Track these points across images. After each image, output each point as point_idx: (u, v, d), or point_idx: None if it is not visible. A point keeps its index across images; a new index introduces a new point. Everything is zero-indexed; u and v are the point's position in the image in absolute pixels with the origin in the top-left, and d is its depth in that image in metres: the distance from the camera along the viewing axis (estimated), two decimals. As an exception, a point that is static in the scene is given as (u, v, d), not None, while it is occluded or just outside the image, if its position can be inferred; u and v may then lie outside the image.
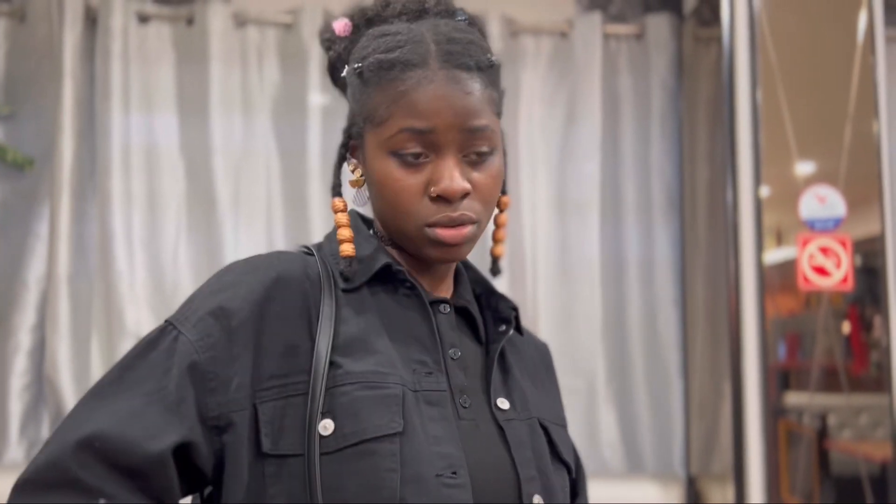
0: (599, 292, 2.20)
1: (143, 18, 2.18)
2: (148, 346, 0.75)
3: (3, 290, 2.09)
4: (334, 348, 0.75)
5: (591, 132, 2.24)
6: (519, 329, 0.90)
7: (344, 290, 0.80)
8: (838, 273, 1.91)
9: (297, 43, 2.21)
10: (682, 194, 2.26)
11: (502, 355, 0.86)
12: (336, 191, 0.84)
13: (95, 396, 0.74)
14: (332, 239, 0.85)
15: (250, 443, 0.72)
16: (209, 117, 2.17)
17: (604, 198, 2.24)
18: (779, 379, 1.95)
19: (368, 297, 0.80)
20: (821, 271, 1.92)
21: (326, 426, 0.71)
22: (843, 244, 1.92)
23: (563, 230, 2.24)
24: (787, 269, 1.94)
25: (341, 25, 0.86)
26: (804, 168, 1.95)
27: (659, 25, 2.28)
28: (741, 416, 1.88)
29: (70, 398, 2.04)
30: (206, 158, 2.17)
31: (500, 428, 0.79)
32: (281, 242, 2.18)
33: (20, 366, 2.06)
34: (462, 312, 0.86)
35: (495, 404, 0.81)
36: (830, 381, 1.95)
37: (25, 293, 2.09)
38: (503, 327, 0.87)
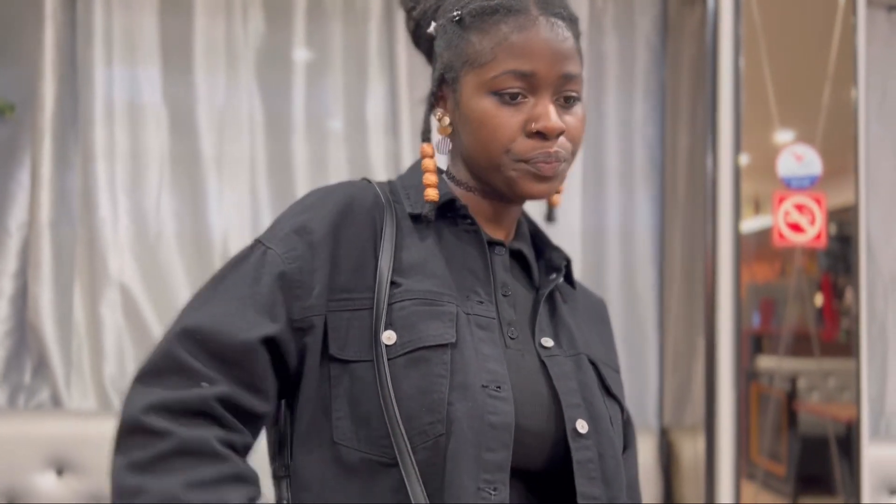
0: (580, 254, 2.23)
1: (127, -35, 2.16)
2: (239, 261, 0.84)
3: (-16, 236, 2.09)
4: (395, 270, 0.82)
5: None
6: (570, 279, 0.97)
7: (409, 219, 0.87)
8: (812, 230, 1.95)
9: (283, -6, 2.20)
10: (664, 159, 2.28)
11: (551, 299, 0.92)
12: (426, 136, 0.91)
13: (192, 305, 0.82)
14: (407, 177, 0.92)
15: (322, 346, 0.81)
16: (193, 70, 2.16)
17: (586, 161, 2.26)
18: (752, 343, 2.00)
19: (430, 228, 0.87)
20: (795, 228, 1.96)
21: (389, 336, 0.78)
22: (818, 202, 1.96)
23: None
24: (764, 237, 1.98)
25: None
26: (784, 136, 1.98)
27: (645, -15, 2.29)
28: (713, 375, 1.93)
29: (53, 344, 2.06)
30: (190, 112, 2.16)
31: (543, 364, 0.84)
32: (264, 194, 2.18)
33: (2, 312, 2.07)
34: (517, 257, 0.93)
35: (539, 342, 0.86)
36: (801, 347, 2.01)
37: (7, 240, 2.09)
38: (553, 275, 0.93)
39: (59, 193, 2.10)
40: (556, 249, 0.97)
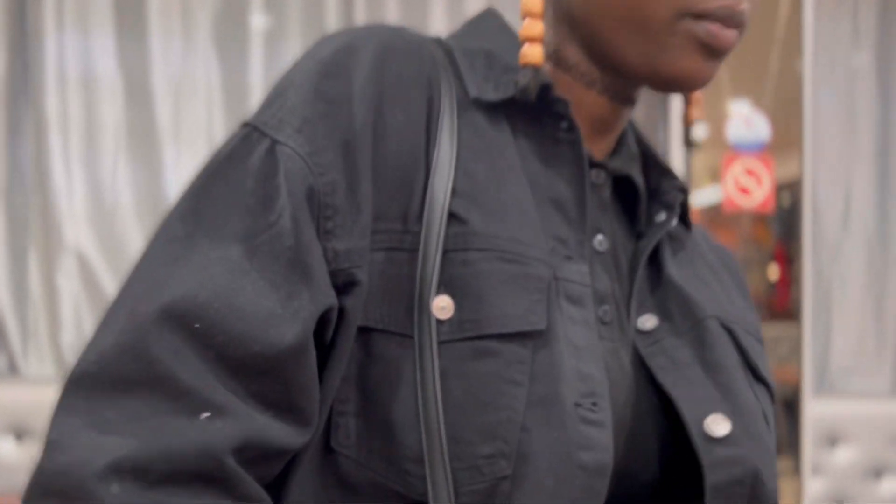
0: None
1: (77, -72, 2.13)
2: (228, 160, 0.50)
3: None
4: (455, 192, 0.50)
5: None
6: (686, 220, 0.64)
7: (473, 108, 0.54)
8: (760, 192, 2.02)
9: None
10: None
11: (656, 253, 0.60)
12: None
13: (168, 246, 0.47)
14: (471, 37, 0.58)
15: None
16: (148, 36, 2.14)
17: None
18: None
19: (505, 124, 0.55)
20: (745, 192, 2.03)
21: (443, 305, 0.48)
22: (766, 164, 2.02)
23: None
24: (717, 208, 2.05)
25: None
26: (737, 108, 2.03)
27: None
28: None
29: (8, 312, 2.06)
30: (145, 79, 2.15)
31: (642, 361, 0.56)
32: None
33: (-44, 281, 2.06)
34: (620, 186, 0.61)
35: (636, 325, 0.57)
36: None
37: (-40, 207, 2.08)
38: (663, 216, 0.60)
39: (11, 162, 2.08)
40: (669, 175, 0.62)
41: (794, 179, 2.05)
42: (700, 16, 0.51)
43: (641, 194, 0.61)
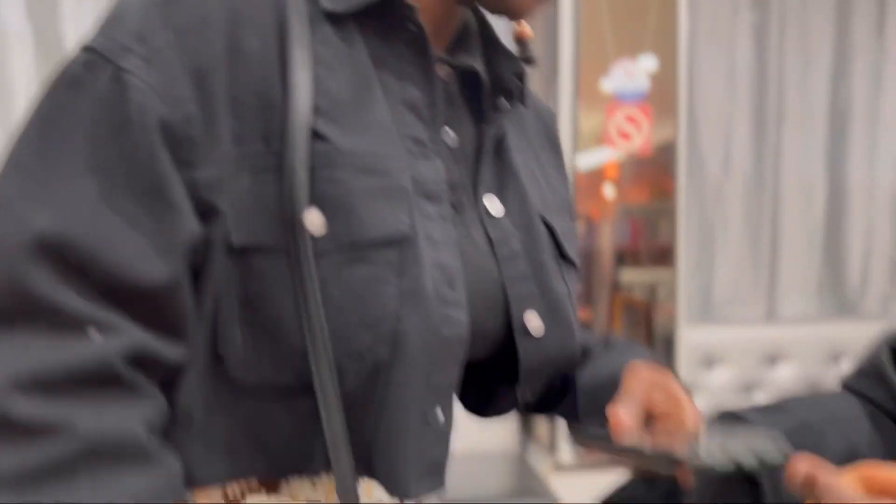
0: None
1: None
2: (71, 87, 0.49)
3: None
4: (317, 109, 0.52)
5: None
6: (522, 97, 0.69)
7: (325, 17, 0.56)
8: (639, 137, 2.23)
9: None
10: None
11: (502, 140, 0.66)
12: None
13: (22, 178, 0.48)
14: None
15: (226, 234, 0.52)
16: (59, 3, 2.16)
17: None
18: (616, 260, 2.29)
19: (357, 35, 0.57)
20: (626, 137, 2.23)
21: (315, 222, 0.51)
22: (645, 112, 2.22)
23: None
24: (598, 172, 2.25)
25: None
26: (615, 57, 2.20)
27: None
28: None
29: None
30: (58, 37, 2.17)
31: (490, 240, 0.63)
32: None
33: None
34: (467, 76, 0.64)
35: (485, 208, 0.63)
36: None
37: None
38: (506, 103, 0.66)
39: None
40: (508, 56, 0.66)
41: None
42: None
43: (485, 85, 0.64)
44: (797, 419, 0.64)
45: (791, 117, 2.67)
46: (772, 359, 2.59)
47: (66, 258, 0.46)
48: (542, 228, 0.66)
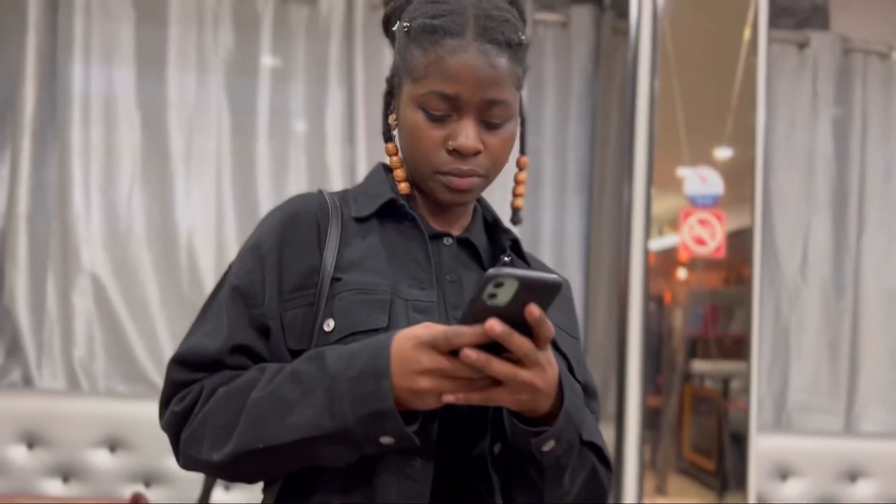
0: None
1: (105, -23, 2.32)
2: (217, 285, 0.96)
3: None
4: (338, 266, 0.89)
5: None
6: (521, 256, 1.01)
7: (354, 221, 0.94)
8: (713, 242, 2.21)
9: (251, 10, 2.38)
10: (592, 173, 2.52)
11: None
12: (387, 136, 0.97)
13: (195, 322, 0.95)
14: (360, 185, 1.00)
15: (284, 344, 0.89)
16: (165, 73, 2.33)
17: (527, 171, 2.47)
18: (688, 348, 2.25)
19: (376, 227, 0.93)
20: (700, 241, 2.21)
21: (329, 324, 0.86)
22: (719, 218, 2.21)
23: (490, 198, 2.47)
24: (671, 254, 2.23)
25: None
26: (691, 160, 2.22)
27: (582, 15, 2.51)
28: (623, 374, 2.17)
29: (26, 328, 2.22)
30: (161, 112, 2.33)
31: None
32: (228, 193, 2.36)
33: (-21, 297, 2.23)
34: (467, 246, 0.97)
35: None
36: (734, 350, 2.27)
37: (-14, 230, 2.25)
38: (503, 259, 0.98)
39: (35, 189, 2.25)
40: (504, 231, 1.01)
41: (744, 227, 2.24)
42: (443, 173, 0.90)
43: (481, 249, 0.98)
44: None
45: (872, 220, 2.63)
46: (851, 474, 2.45)
47: (185, 363, 0.91)
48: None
